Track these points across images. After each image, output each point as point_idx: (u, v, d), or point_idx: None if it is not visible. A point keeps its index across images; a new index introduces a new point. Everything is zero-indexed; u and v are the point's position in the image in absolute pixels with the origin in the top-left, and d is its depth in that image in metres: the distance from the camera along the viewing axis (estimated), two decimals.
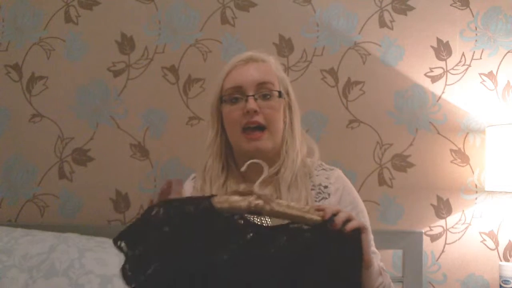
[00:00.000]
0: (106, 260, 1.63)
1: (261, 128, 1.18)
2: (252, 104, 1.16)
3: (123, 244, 0.96)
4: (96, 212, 1.98)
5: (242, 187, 1.00)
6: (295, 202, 1.00)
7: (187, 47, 2.02)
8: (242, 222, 0.97)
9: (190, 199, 0.99)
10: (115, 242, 0.96)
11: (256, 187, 0.98)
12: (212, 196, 0.98)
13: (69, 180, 2.01)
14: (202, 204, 0.96)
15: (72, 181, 2.01)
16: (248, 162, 1.05)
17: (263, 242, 0.95)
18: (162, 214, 0.95)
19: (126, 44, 2.03)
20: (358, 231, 0.96)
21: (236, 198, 0.97)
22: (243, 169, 1.04)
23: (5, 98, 2.06)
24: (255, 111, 1.16)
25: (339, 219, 0.95)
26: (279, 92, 1.21)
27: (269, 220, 1.05)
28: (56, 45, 2.05)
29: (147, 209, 0.97)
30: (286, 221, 0.97)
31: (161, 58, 2.02)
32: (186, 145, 1.96)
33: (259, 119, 1.16)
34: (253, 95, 1.17)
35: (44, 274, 1.56)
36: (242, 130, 1.17)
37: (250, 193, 0.97)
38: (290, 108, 1.25)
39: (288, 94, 1.26)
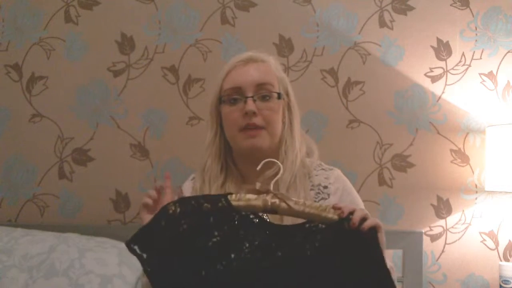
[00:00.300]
0: (106, 260, 1.63)
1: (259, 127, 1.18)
2: (250, 105, 1.15)
3: (136, 247, 0.94)
4: (96, 212, 1.98)
5: (258, 185, 0.99)
6: (310, 201, 1.00)
7: (187, 47, 2.02)
8: (258, 220, 0.97)
9: (206, 197, 1.00)
10: (128, 245, 0.94)
11: (271, 187, 0.98)
12: (229, 194, 0.99)
13: (69, 180, 2.01)
14: (219, 201, 0.97)
15: (72, 181, 2.01)
16: (264, 161, 1.06)
17: (279, 241, 0.95)
18: (180, 212, 0.95)
19: (126, 44, 2.03)
20: (375, 230, 0.96)
21: (252, 196, 0.97)
22: (259, 167, 1.05)
23: (5, 98, 2.06)
24: (254, 113, 1.15)
25: (356, 217, 0.95)
26: (279, 94, 1.21)
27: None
28: (56, 45, 2.06)
29: (162, 208, 0.96)
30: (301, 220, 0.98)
31: (161, 58, 2.02)
32: (186, 145, 1.96)
33: (258, 121, 1.16)
34: (252, 97, 1.16)
35: (44, 274, 1.56)
36: (240, 129, 1.17)
37: (266, 191, 0.97)
38: (289, 108, 1.25)
39: (287, 94, 1.25)
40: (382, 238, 0.98)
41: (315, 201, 1.19)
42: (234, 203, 0.96)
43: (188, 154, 1.93)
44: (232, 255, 0.93)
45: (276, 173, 1.19)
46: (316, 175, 1.23)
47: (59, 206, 2.01)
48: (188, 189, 1.29)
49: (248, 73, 1.19)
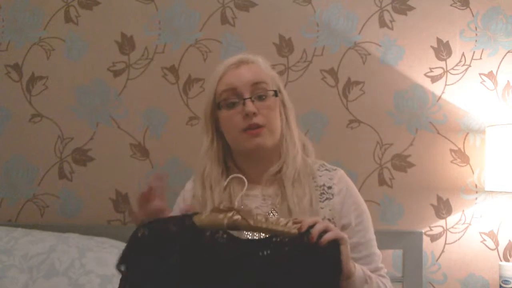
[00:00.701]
0: (106, 260, 1.63)
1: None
2: (250, 106, 1.16)
3: (123, 268, 0.99)
4: (96, 212, 1.98)
5: (222, 204, 1.02)
6: (275, 217, 1.02)
7: (187, 47, 2.02)
8: (225, 237, 0.99)
9: (172, 219, 1.03)
10: (117, 267, 0.99)
11: (237, 203, 1.02)
12: (193, 214, 1.01)
13: (69, 180, 2.01)
14: (184, 222, 1.00)
15: (72, 181, 2.01)
16: (230, 177, 1.09)
17: (247, 257, 0.97)
18: (148, 235, 0.99)
19: (126, 44, 2.03)
20: (337, 243, 0.97)
21: (216, 215, 1.00)
22: (225, 184, 1.11)
23: (5, 98, 2.06)
24: (254, 113, 1.16)
25: (315, 231, 0.95)
26: (275, 91, 1.21)
27: (256, 235, 1.06)
28: (56, 45, 2.05)
29: (134, 231, 1.00)
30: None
31: (161, 58, 2.02)
32: (186, 145, 1.96)
33: (259, 120, 1.16)
34: (250, 97, 1.17)
35: (44, 274, 1.57)
36: (242, 131, 1.17)
37: (230, 209, 0.99)
38: (284, 105, 1.26)
39: (280, 91, 1.26)
40: (346, 250, 0.98)
41: (320, 201, 1.19)
42: (198, 223, 0.99)
43: (188, 154, 1.93)
44: (202, 274, 0.96)
45: (279, 170, 1.20)
46: (320, 176, 1.23)
47: (59, 206, 2.01)
48: (190, 189, 1.29)
49: (241, 74, 1.19)
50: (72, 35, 2.05)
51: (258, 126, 1.17)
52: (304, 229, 0.96)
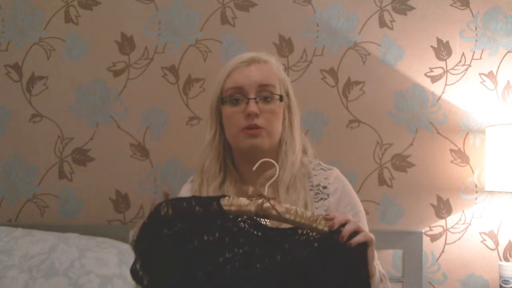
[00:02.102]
0: (106, 260, 1.63)
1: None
2: (253, 107, 1.15)
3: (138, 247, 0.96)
4: (96, 212, 1.98)
5: (251, 189, 1.00)
6: (304, 209, 0.99)
7: (187, 47, 2.02)
8: (250, 222, 0.96)
9: (198, 199, 0.98)
10: (132, 246, 0.96)
11: (266, 190, 0.98)
12: (221, 196, 0.98)
13: (69, 180, 2.01)
14: (211, 205, 0.96)
15: (72, 181, 2.01)
16: (261, 161, 1.05)
17: (270, 246, 0.95)
18: (172, 213, 0.95)
19: (126, 44, 2.03)
20: (365, 245, 0.95)
21: (244, 201, 0.97)
22: (255, 167, 1.05)
23: (5, 98, 2.06)
24: (256, 114, 1.16)
25: (346, 231, 0.94)
26: (280, 96, 1.21)
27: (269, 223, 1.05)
28: (56, 45, 2.05)
29: (155, 207, 0.96)
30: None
31: (161, 58, 2.02)
32: (186, 145, 1.96)
33: (259, 122, 1.16)
34: (254, 98, 1.17)
35: (44, 274, 1.57)
36: (241, 130, 1.17)
37: (259, 196, 0.97)
38: (289, 109, 1.25)
39: (288, 95, 1.25)
40: (373, 252, 0.98)
41: (314, 201, 1.19)
42: (225, 207, 0.96)
43: (188, 154, 1.93)
44: (223, 259, 0.94)
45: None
46: (316, 175, 1.23)
47: (59, 206, 2.01)
48: (186, 193, 1.29)
49: (250, 74, 1.19)
50: (72, 35, 2.05)
51: (257, 127, 1.17)
52: (335, 227, 0.94)
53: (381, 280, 1.08)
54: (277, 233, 0.97)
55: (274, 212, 0.95)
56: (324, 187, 1.21)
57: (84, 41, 2.05)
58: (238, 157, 1.24)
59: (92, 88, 2.03)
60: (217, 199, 0.97)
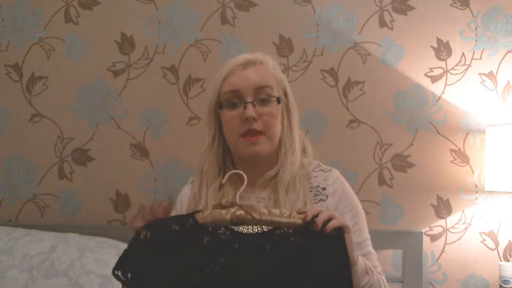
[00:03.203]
0: (106, 260, 1.63)
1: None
2: (250, 111, 1.15)
3: (119, 273, 0.99)
4: (96, 212, 1.98)
5: (224, 200, 1.03)
6: (278, 209, 1.02)
7: (187, 47, 2.02)
8: (228, 233, 0.99)
9: (173, 218, 1.04)
10: (113, 272, 0.99)
11: (238, 198, 1.02)
12: (196, 212, 1.02)
13: (69, 180, 2.01)
14: (186, 221, 1.00)
15: (72, 181, 2.01)
16: (229, 174, 1.10)
17: (249, 251, 0.98)
18: (150, 236, 0.99)
19: (126, 44, 2.03)
20: (341, 230, 0.98)
21: (219, 211, 1.00)
22: (224, 180, 1.11)
23: (5, 98, 2.06)
24: (254, 118, 1.15)
25: (320, 219, 0.97)
26: (278, 98, 1.20)
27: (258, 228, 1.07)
28: (56, 45, 2.05)
29: (135, 234, 1.00)
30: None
31: (161, 58, 2.02)
32: (186, 145, 1.96)
33: (258, 126, 1.16)
34: (251, 102, 1.16)
35: (44, 274, 1.57)
36: (241, 135, 1.17)
37: (232, 205, 1.00)
38: (288, 109, 1.24)
39: (286, 95, 1.25)
40: (350, 238, 1.00)
41: (314, 203, 1.19)
42: (201, 220, 1.00)
43: (188, 154, 1.93)
44: (206, 271, 0.96)
45: (275, 175, 1.20)
46: (315, 177, 1.23)
47: (59, 206, 2.01)
48: (186, 193, 1.29)
49: (247, 77, 1.17)
50: (72, 35, 2.05)
51: (256, 133, 1.16)
52: (308, 218, 0.97)
53: (367, 272, 1.08)
54: (255, 237, 1.00)
55: (249, 217, 0.98)
56: (323, 189, 1.21)
57: (84, 41, 2.05)
58: (238, 160, 1.24)
59: (92, 88, 2.03)
60: (191, 215, 1.01)
